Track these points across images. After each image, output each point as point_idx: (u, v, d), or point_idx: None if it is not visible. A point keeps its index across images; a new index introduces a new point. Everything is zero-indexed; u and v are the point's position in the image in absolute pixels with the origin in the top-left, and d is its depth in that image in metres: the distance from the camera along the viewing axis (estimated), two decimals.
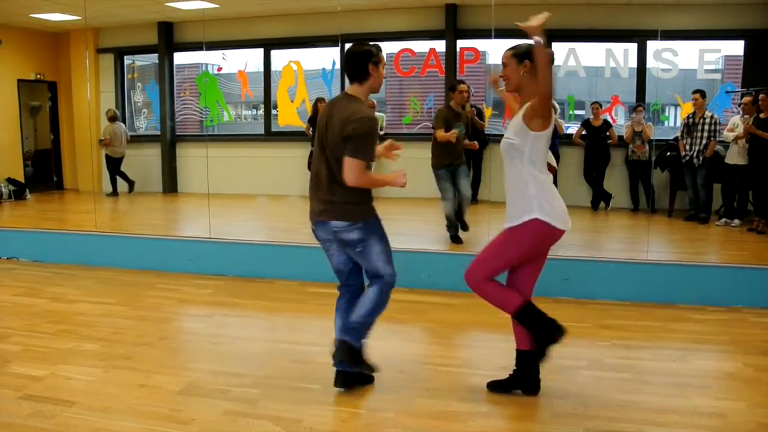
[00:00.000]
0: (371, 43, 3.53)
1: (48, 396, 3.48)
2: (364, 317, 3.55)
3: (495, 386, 3.58)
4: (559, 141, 9.27)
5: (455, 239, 6.75)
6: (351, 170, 3.31)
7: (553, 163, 5.42)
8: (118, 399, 3.46)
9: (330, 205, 3.43)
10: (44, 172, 12.35)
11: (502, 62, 3.38)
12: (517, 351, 3.53)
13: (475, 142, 7.07)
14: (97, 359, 4.05)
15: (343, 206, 3.43)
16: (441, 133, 6.50)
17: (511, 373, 3.56)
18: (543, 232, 3.27)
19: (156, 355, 4.16)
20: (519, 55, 3.32)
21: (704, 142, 7.99)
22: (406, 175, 3.46)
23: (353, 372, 3.61)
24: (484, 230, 6.88)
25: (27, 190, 11.02)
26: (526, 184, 3.26)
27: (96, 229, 7.14)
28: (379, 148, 3.69)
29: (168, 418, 3.26)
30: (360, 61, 3.44)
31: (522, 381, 3.52)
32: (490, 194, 7.09)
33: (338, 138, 3.33)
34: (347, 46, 3.78)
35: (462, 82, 7.02)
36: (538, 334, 3.39)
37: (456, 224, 6.79)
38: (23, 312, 5.08)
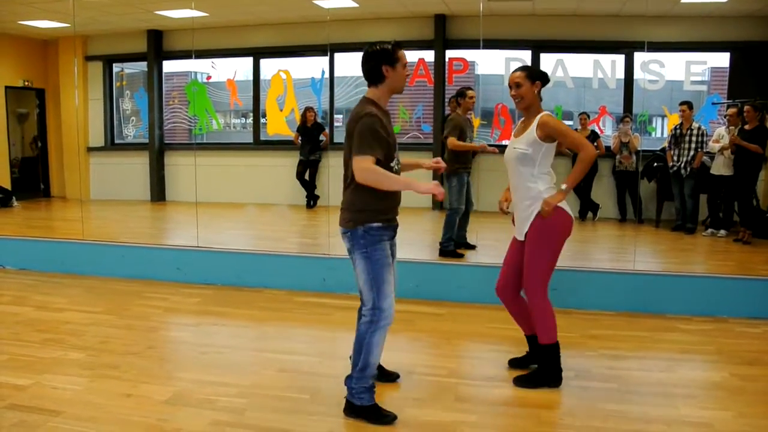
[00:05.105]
0: (388, 41, 3.30)
1: (33, 405, 3.45)
2: (357, 366, 3.36)
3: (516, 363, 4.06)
4: None
5: (457, 253, 6.50)
6: (355, 168, 3.16)
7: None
8: (105, 409, 3.44)
9: (341, 208, 3.35)
10: (31, 179, 12.28)
11: (515, 82, 3.67)
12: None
13: (495, 148, 6.68)
14: (83, 368, 4.02)
15: (343, 211, 3.32)
16: (470, 144, 6.50)
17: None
18: (564, 218, 3.65)
19: (143, 364, 4.13)
20: (531, 76, 3.67)
21: (692, 153, 8.06)
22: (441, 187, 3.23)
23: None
24: (472, 239, 6.90)
25: (14, 198, 10.94)
26: (536, 182, 3.65)
27: (83, 238, 7.09)
28: (426, 162, 3.58)
29: (154, 428, 3.24)
30: (373, 63, 3.27)
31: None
32: (478, 204, 7.09)
33: (348, 138, 3.25)
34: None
35: (470, 88, 6.80)
36: (545, 373, 3.76)
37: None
38: (9, 321, 5.03)
